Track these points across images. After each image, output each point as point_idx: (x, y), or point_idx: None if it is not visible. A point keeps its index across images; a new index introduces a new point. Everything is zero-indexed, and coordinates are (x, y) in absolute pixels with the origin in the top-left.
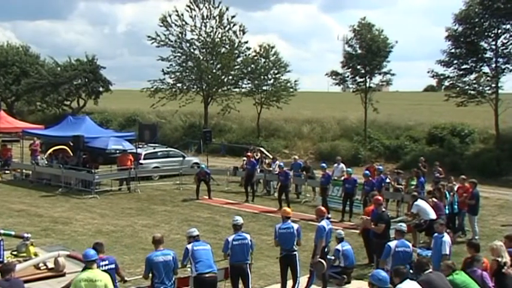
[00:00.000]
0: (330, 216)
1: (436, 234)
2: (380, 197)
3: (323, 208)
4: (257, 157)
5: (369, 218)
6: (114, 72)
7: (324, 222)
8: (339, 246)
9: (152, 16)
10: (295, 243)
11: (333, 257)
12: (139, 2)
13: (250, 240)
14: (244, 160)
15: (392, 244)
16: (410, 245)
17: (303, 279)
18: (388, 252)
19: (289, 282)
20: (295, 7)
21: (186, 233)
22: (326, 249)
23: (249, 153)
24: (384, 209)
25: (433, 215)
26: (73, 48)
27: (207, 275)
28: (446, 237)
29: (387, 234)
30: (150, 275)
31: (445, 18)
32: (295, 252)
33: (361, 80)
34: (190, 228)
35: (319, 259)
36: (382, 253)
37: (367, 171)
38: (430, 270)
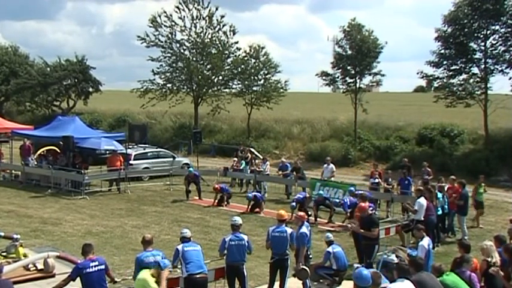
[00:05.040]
0: (311, 218)
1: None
2: (364, 204)
3: (302, 213)
4: (247, 158)
5: (355, 223)
6: (104, 72)
7: (305, 229)
8: (329, 249)
9: (140, 16)
10: (287, 248)
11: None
12: (127, 2)
13: (248, 242)
14: (234, 160)
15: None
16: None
17: (291, 280)
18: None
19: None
20: (282, 8)
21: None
22: (310, 256)
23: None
24: (370, 212)
25: (422, 216)
26: (61, 49)
27: (197, 276)
28: (424, 242)
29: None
30: None
31: (432, 18)
32: (287, 257)
33: (351, 80)
34: (183, 229)
35: (303, 266)
36: (371, 254)
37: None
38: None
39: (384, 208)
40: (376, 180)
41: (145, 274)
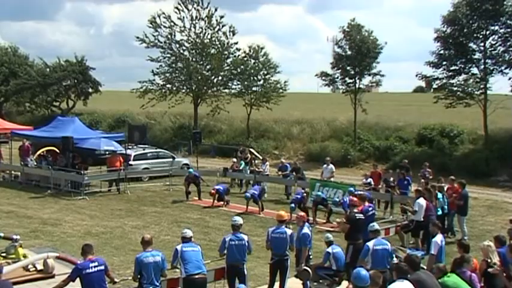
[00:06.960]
0: (310, 219)
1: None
2: (355, 198)
3: (302, 213)
4: (247, 158)
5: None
6: (103, 73)
7: (307, 229)
8: (329, 249)
9: (139, 16)
10: (287, 248)
11: (311, 256)
12: (126, 2)
13: (248, 242)
14: (234, 162)
15: (371, 243)
16: (388, 243)
17: (291, 280)
18: (366, 251)
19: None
20: (281, 8)
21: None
22: (311, 256)
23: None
24: (355, 210)
25: (421, 217)
26: (60, 49)
27: (196, 276)
28: (437, 238)
29: (354, 236)
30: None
31: (432, 19)
32: (287, 257)
33: (351, 81)
34: (184, 229)
35: (305, 267)
36: (350, 256)
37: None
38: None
39: (381, 209)
40: (369, 180)
41: None
